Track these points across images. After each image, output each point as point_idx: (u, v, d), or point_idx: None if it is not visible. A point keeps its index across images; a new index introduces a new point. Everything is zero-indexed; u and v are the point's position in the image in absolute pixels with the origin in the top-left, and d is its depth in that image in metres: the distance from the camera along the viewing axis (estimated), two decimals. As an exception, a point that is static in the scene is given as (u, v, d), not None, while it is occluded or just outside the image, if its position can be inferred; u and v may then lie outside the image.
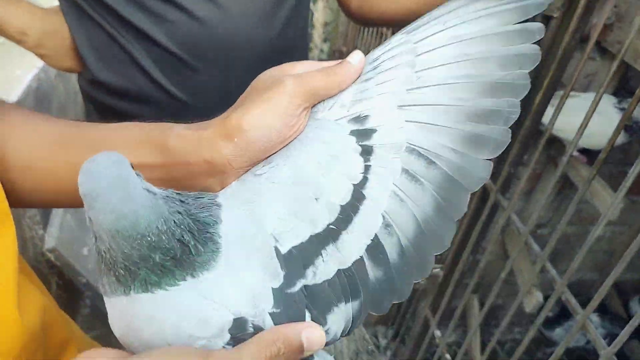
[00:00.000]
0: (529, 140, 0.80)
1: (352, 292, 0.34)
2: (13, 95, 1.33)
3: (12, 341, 0.35)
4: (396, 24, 0.93)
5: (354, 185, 0.35)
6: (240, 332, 0.31)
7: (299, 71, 0.38)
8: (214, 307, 0.30)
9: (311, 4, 1.88)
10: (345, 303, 0.34)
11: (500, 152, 0.35)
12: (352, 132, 0.36)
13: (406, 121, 0.36)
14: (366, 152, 0.35)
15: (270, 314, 0.32)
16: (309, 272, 0.33)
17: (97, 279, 0.32)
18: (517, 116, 0.35)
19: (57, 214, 1.44)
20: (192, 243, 0.30)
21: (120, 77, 0.73)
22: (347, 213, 0.34)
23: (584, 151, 1.10)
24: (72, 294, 1.47)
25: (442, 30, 0.37)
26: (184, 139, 0.37)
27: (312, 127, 0.37)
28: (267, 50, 0.75)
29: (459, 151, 0.35)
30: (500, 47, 0.36)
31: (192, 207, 0.32)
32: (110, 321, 0.32)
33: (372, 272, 0.34)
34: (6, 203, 0.37)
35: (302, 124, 0.37)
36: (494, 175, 0.84)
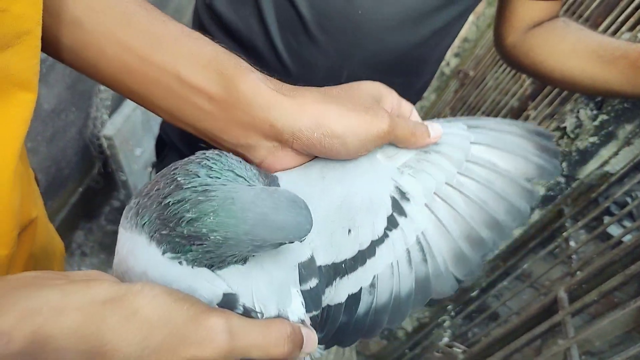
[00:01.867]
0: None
1: (321, 326, 0.37)
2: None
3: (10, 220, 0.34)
4: (551, 83, 0.82)
5: (373, 239, 0.37)
6: (228, 308, 0.30)
7: (388, 103, 0.39)
8: (209, 279, 0.30)
9: (484, 6, 1.73)
10: (319, 333, 0.36)
11: (467, 279, 0.42)
12: (392, 199, 0.38)
13: (432, 213, 0.39)
14: (392, 223, 0.38)
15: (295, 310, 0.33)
16: (327, 291, 0.36)
17: (129, 214, 0.31)
18: (490, 257, 0.40)
19: (127, 105, 1.42)
20: None
21: (236, 15, 0.65)
22: (357, 260, 0.36)
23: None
24: (108, 184, 1.48)
25: (491, 147, 0.41)
26: (258, 92, 0.35)
27: (367, 161, 0.38)
28: (400, 54, 0.65)
29: (446, 261, 0.39)
30: (514, 196, 0.40)
31: None
32: (118, 247, 0.32)
33: (340, 317, 0.37)
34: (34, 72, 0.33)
35: (355, 157, 0.38)
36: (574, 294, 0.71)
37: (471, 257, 0.39)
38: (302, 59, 0.65)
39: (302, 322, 0.33)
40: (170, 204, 0.29)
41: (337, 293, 0.37)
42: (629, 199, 0.81)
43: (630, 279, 0.61)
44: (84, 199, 1.46)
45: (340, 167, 0.37)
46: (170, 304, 0.26)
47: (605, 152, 0.81)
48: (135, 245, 0.30)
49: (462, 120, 0.42)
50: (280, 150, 0.37)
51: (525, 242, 0.94)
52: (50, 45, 0.36)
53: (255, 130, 0.35)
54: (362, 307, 0.38)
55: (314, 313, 0.35)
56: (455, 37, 0.74)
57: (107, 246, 1.61)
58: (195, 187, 0.28)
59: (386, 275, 0.38)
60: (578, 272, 0.72)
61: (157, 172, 0.92)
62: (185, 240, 0.29)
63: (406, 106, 0.42)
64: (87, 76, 0.38)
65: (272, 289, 0.32)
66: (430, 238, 0.39)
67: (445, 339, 1.03)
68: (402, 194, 0.38)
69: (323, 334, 0.37)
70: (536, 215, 0.91)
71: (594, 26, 1.04)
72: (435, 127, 0.40)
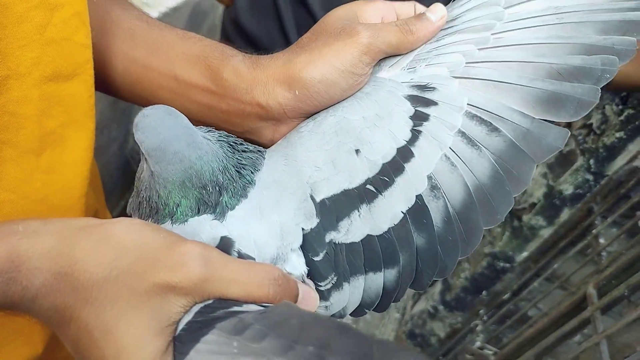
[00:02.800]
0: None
1: (386, 259, 0.32)
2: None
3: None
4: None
5: (398, 145, 0.33)
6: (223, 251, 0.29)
7: (371, 15, 0.36)
8: (211, 225, 0.30)
9: None
10: (375, 273, 0.32)
11: (583, 115, 0.31)
12: (410, 97, 0.34)
13: (470, 78, 0.33)
14: (420, 117, 0.33)
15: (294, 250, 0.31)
16: (342, 226, 0.32)
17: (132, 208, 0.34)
18: (613, 75, 0.30)
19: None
20: (230, 190, 0.31)
21: (260, 28, 0.70)
22: (388, 173, 0.32)
23: None
24: (128, 178, 1.55)
25: None
26: (239, 75, 0.36)
27: (370, 85, 0.35)
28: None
29: (528, 114, 0.32)
30: (602, 9, 0.32)
31: (237, 154, 0.33)
32: None
33: (415, 237, 0.32)
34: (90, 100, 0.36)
35: (364, 82, 0.35)
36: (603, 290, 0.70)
37: (569, 91, 0.31)
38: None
39: (303, 280, 0.31)
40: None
41: (379, 217, 0.32)
42: (659, 194, 0.79)
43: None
44: (124, 213, 1.53)
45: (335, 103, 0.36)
46: (146, 232, 0.26)
47: (632, 147, 0.80)
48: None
49: None
50: (281, 124, 0.37)
51: (555, 242, 0.93)
52: None
53: (249, 115, 0.36)
54: (436, 216, 0.32)
55: (320, 257, 0.32)
56: None
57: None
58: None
59: (445, 170, 0.32)
60: (607, 268, 0.71)
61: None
62: (169, 209, 0.31)
63: (402, 7, 0.38)
64: (106, 93, 0.42)
65: (273, 235, 0.31)
66: (486, 104, 0.33)
67: (478, 344, 1.02)
68: (421, 87, 0.34)
69: (388, 268, 0.32)
70: (565, 214, 0.90)
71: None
72: (435, 7, 0.35)
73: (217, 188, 0.31)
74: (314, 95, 0.34)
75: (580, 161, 0.85)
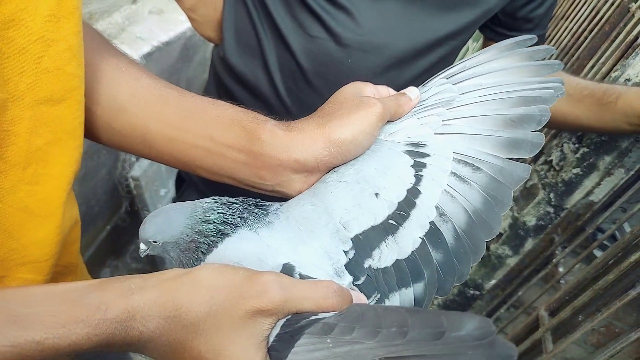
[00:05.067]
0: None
1: (413, 276, 0.39)
2: (170, 34, 1.45)
3: (51, 244, 0.39)
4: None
5: (407, 187, 0.41)
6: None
7: (370, 93, 0.45)
8: (272, 253, 0.38)
9: (469, 43, 1.82)
10: (407, 288, 0.39)
11: (536, 153, 0.41)
12: (408, 152, 0.42)
13: (449, 134, 0.43)
14: (419, 165, 0.42)
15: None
16: (375, 255, 0.39)
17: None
18: (549, 117, 0.41)
19: (155, 150, 1.55)
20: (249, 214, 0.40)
21: (246, 65, 0.76)
22: (404, 208, 0.40)
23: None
24: (135, 223, 1.58)
25: (474, 77, 0.45)
26: (276, 137, 0.42)
27: (373, 146, 0.43)
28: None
29: (498, 156, 0.41)
30: (525, 82, 0.43)
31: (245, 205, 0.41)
32: None
33: (433, 255, 0.40)
34: (80, 126, 0.40)
35: (372, 145, 0.43)
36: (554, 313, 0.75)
37: (522, 136, 0.41)
38: (301, 101, 0.75)
39: (351, 288, 0.38)
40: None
41: (403, 244, 0.40)
42: (612, 226, 0.86)
43: (601, 296, 0.66)
44: (111, 237, 1.56)
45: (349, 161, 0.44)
46: (227, 271, 0.33)
47: (588, 182, 0.86)
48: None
49: (439, 75, 0.47)
50: (312, 176, 0.43)
51: (520, 270, 0.98)
52: (102, 132, 0.44)
53: (284, 169, 0.42)
54: (448, 235, 0.40)
55: (361, 281, 0.39)
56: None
57: (131, 282, 1.68)
58: None
59: (447, 201, 0.41)
60: (557, 292, 0.76)
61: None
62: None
63: (382, 89, 0.47)
64: (136, 154, 0.46)
65: (322, 258, 0.39)
66: (466, 151, 0.42)
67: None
68: (414, 144, 0.43)
69: (416, 282, 0.39)
70: (529, 244, 0.96)
71: (581, 67, 1.12)
72: (411, 89, 0.46)
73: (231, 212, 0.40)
74: (344, 153, 0.41)
75: (541, 195, 0.92)
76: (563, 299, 0.74)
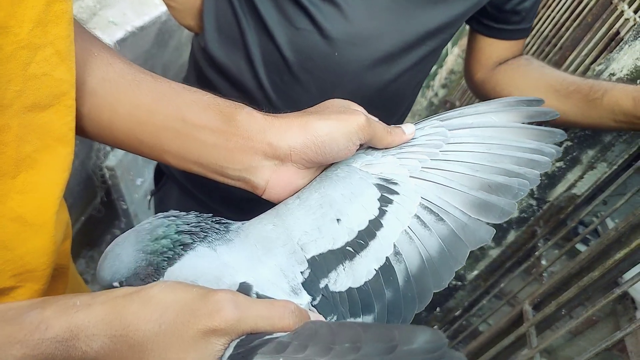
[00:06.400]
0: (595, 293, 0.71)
1: (364, 307, 0.39)
2: (144, 19, 1.40)
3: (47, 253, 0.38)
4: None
5: (370, 218, 0.41)
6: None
7: (360, 109, 0.44)
8: (230, 271, 0.37)
9: (448, 47, 1.82)
10: (355, 318, 0.39)
11: (504, 220, 0.41)
12: (377, 185, 0.42)
13: (423, 180, 0.43)
14: (385, 200, 0.42)
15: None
16: (332, 276, 0.39)
17: None
18: (526, 193, 0.42)
19: (130, 138, 1.50)
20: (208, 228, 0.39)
21: (228, 57, 0.73)
22: (363, 237, 0.40)
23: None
24: (110, 213, 1.54)
25: (470, 128, 0.45)
26: (254, 118, 0.41)
27: (345, 170, 0.44)
28: (376, 90, 0.72)
29: (466, 213, 0.41)
30: (515, 146, 0.44)
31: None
32: None
33: (385, 291, 0.39)
34: (71, 126, 0.38)
35: (351, 153, 0.43)
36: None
37: (495, 202, 0.41)
38: (286, 95, 0.72)
39: (309, 309, 0.38)
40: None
41: (358, 272, 0.39)
42: (594, 219, 0.87)
43: (584, 290, 0.67)
44: (86, 228, 1.51)
45: (317, 181, 0.43)
46: (180, 288, 0.31)
47: (571, 176, 0.87)
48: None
49: (435, 117, 0.47)
50: (282, 166, 0.42)
51: (503, 262, 0.99)
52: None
53: (256, 152, 0.41)
54: (400, 277, 0.40)
55: (317, 300, 0.38)
56: (429, 71, 0.82)
57: (108, 273, 1.65)
58: None
59: (405, 241, 0.40)
60: (541, 286, 0.77)
61: (156, 201, 0.98)
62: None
63: (374, 118, 0.47)
64: (101, 141, 0.44)
65: (278, 276, 0.38)
66: (434, 200, 0.42)
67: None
68: (386, 180, 0.43)
69: (366, 314, 0.39)
70: (512, 236, 0.97)
71: (563, 58, 1.12)
72: (408, 126, 0.46)
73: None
74: (318, 145, 0.41)
75: (525, 187, 0.92)
76: (547, 293, 0.75)
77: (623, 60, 0.80)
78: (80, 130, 0.43)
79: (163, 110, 0.41)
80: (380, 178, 0.43)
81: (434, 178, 0.43)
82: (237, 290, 0.35)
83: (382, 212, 0.41)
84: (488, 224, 0.41)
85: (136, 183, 1.50)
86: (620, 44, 0.82)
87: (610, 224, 0.77)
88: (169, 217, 0.39)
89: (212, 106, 0.41)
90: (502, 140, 0.44)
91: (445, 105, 1.79)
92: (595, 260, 0.71)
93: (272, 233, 0.40)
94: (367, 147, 0.46)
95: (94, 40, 0.43)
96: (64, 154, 0.37)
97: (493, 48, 0.82)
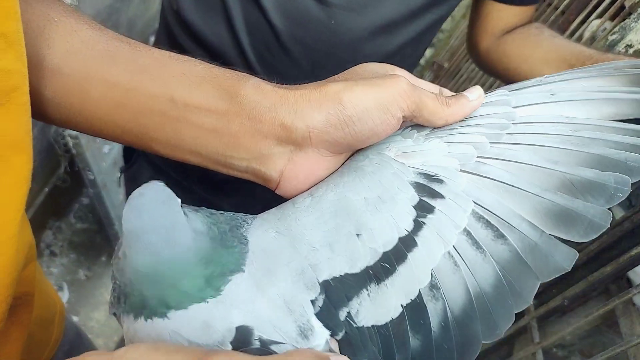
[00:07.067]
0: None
1: (385, 356, 0.29)
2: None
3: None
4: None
5: (400, 235, 0.30)
6: (242, 345, 0.27)
7: (402, 74, 0.35)
8: (242, 315, 0.28)
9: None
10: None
11: (593, 237, 0.29)
12: (416, 185, 0.32)
13: (479, 176, 0.31)
14: (425, 208, 0.31)
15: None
16: (354, 304, 0.29)
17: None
18: (626, 195, 0.29)
19: (95, 101, 1.37)
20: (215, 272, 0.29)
21: (205, 23, 0.63)
22: (390, 260, 0.30)
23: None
24: (76, 183, 1.43)
25: (548, 103, 0.33)
26: (262, 92, 0.33)
27: (374, 162, 0.33)
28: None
29: (538, 227, 0.30)
30: (613, 127, 0.32)
31: (224, 234, 0.30)
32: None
33: (410, 338, 0.30)
34: (25, 132, 0.31)
35: (394, 129, 0.33)
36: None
37: (581, 209, 0.29)
38: (273, 69, 0.63)
39: (330, 349, 0.29)
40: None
41: (381, 306, 0.29)
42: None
43: (593, 285, 0.63)
44: (51, 198, 1.41)
45: (338, 175, 0.34)
46: (157, 356, 0.23)
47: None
48: (135, 332, 0.29)
49: (502, 89, 0.36)
50: (300, 153, 0.33)
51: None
52: (32, 104, 0.32)
53: (266, 136, 0.33)
54: (434, 319, 0.30)
55: (340, 335, 0.29)
56: (430, 42, 0.73)
57: (77, 245, 1.57)
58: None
59: (447, 269, 0.30)
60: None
61: (126, 179, 0.89)
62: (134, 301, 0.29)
63: (426, 83, 0.37)
64: (74, 129, 0.36)
65: (281, 311, 0.29)
66: (494, 206, 0.30)
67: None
68: (429, 177, 0.32)
69: None
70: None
71: (567, 23, 1.05)
72: (473, 90, 0.34)
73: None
74: (346, 120, 0.31)
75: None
76: (548, 283, 0.71)
77: (642, 31, 0.73)
78: (45, 117, 0.35)
79: (146, 88, 0.33)
80: (420, 173, 0.32)
81: (495, 173, 0.31)
82: (235, 338, 0.27)
83: (418, 226, 0.30)
84: (566, 243, 0.30)
85: (103, 151, 1.39)
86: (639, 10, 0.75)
87: (618, 212, 0.73)
88: None
89: (208, 79, 0.33)
90: (596, 117, 0.33)
91: (432, 67, 1.70)
92: (605, 251, 0.66)
93: (275, 244, 0.31)
94: (410, 125, 0.35)
95: (52, 2, 0.34)
96: (19, 163, 0.30)
97: (501, 14, 0.74)
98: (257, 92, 0.32)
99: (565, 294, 0.65)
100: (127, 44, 0.34)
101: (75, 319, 1.38)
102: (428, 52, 1.83)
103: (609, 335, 1.17)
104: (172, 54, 0.35)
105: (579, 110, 0.33)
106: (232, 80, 0.33)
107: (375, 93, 0.32)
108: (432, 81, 1.70)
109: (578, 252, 0.30)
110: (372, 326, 0.29)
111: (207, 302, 0.28)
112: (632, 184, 0.30)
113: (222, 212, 0.33)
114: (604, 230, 0.29)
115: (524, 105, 0.34)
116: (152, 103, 0.33)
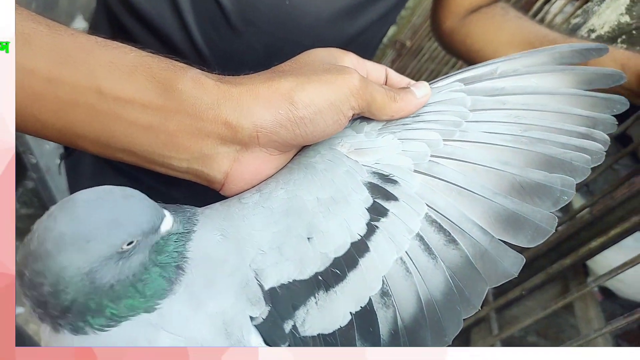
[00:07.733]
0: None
1: None
2: None
3: None
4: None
5: (352, 240, 0.29)
6: None
7: (350, 64, 0.35)
8: (171, 338, 0.26)
9: None
10: None
11: (537, 244, 0.29)
12: (370, 185, 0.30)
13: (433, 177, 0.31)
14: (378, 211, 0.30)
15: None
16: (299, 315, 0.28)
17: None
18: (570, 198, 0.30)
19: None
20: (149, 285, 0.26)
21: (148, 2, 0.56)
22: (341, 266, 0.29)
23: (604, 290, 0.99)
24: (18, 166, 1.34)
25: (501, 95, 0.34)
26: (202, 86, 0.30)
27: (326, 158, 0.32)
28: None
29: (488, 231, 0.29)
30: (560, 129, 0.32)
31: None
32: None
33: (358, 346, 0.29)
34: None
35: (342, 127, 0.32)
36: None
37: (529, 214, 0.29)
38: (225, 54, 0.58)
39: None
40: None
41: (329, 314, 0.28)
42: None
43: (554, 278, 0.63)
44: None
45: (287, 170, 0.32)
46: None
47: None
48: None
49: (455, 76, 0.35)
50: (246, 152, 0.31)
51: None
52: None
53: (208, 135, 0.30)
54: (384, 327, 0.28)
55: (283, 347, 0.28)
56: (394, 21, 0.70)
57: (22, 231, 1.47)
58: None
59: (399, 275, 0.29)
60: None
61: (67, 167, 0.82)
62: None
63: (373, 68, 0.36)
64: None
65: (217, 332, 0.27)
66: (446, 209, 0.30)
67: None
68: (384, 177, 0.31)
69: None
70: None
71: (529, 4, 1.03)
72: (421, 85, 0.34)
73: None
74: (297, 121, 0.30)
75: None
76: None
77: (605, 15, 0.72)
78: None
79: (69, 77, 0.29)
80: (374, 173, 0.31)
81: (448, 175, 0.30)
82: None
83: (371, 230, 0.29)
84: (514, 248, 0.29)
85: (47, 132, 1.30)
86: (602, -4, 0.74)
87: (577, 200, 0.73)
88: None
89: (140, 69, 0.30)
90: (545, 116, 0.32)
91: (394, 46, 1.67)
92: (564, 242, 0.66)
93: (219, 249, 0.28)
94: (358, 117, 0.34)
95: None
96: None
97: (465, -7, 0.71)
98: (196, 86, 0.30)
99: (524, 285, 0.65)
100: (45, 26, 0.30)
101: (20, 309, 1.31)
102: (390, 31, 1.79)
103: (564, 316, 1.20)
104: (100, 39, 0.31)
105: (532, 101, 0.33)
106: (168, 72, 0.30)
107: (328, 93, 0.30)
108: (394, 60, 1.67)
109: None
110: (319, 335, 0.28)
111: (136, 320, 0.26)
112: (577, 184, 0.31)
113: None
114: (549, 235, 0.29)
115: (478, 110, 0.33)
116: (77, 95, 0.29)
